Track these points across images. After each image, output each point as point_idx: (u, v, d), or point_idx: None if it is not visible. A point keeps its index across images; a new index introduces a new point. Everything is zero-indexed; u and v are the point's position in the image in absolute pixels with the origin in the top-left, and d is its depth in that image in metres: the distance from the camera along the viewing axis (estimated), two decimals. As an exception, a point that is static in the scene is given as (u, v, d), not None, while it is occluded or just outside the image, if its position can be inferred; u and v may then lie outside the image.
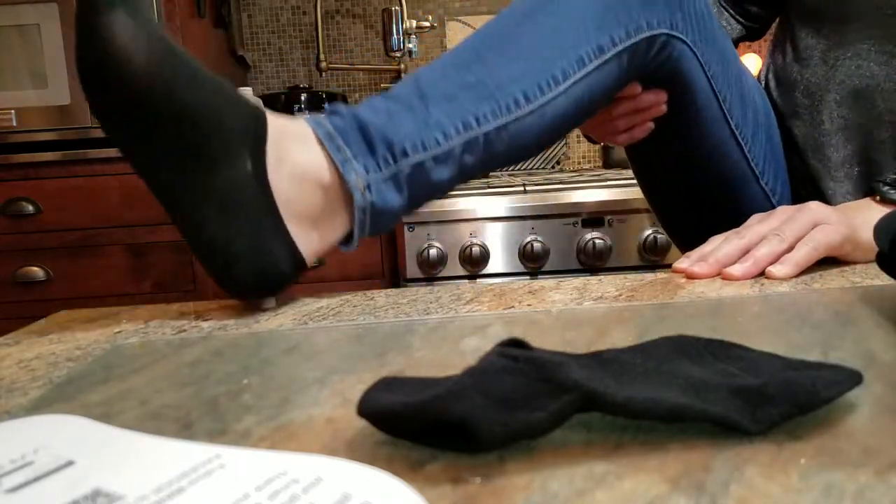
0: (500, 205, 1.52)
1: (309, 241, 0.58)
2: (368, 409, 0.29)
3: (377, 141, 0.58)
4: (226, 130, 0.53)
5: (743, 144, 0.78)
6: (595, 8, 0.65)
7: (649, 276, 0.64)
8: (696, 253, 0.64)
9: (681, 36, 0.70)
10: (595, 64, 0.65)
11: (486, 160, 0.63)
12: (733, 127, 0.77)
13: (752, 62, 1.87)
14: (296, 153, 0.57)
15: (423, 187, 0.61)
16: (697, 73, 0.73)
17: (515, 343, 0.31)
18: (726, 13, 0.94)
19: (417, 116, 0.60)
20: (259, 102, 0.57)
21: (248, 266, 0.55)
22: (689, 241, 0.80)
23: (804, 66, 0.83)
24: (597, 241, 1.50)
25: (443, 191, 0.63)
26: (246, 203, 0.54)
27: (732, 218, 0.68)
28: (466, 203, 1.51)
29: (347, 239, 0.61)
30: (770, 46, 0.92)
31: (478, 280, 1.53)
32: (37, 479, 0.26)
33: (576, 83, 0.65)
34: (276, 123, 0.57)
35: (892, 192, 0.66)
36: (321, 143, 0.57)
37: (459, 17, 2.09)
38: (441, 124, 0.60)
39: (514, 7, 0.67)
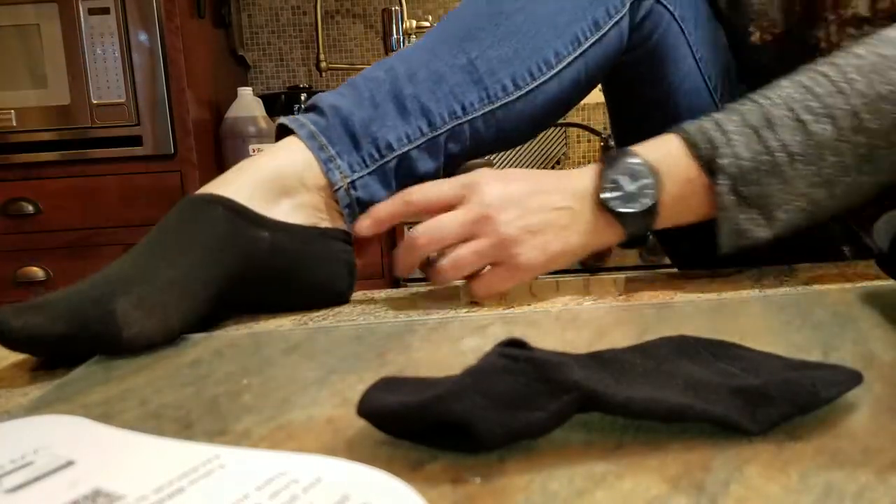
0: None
1: None
2: (368, 409, 0.29)
3: (361, 136, 0.58)
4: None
5: (713, 92, 0.74)
6: None
7: (649, 275, 0.64)
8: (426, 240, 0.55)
9: (666, 4, 0.68)
10: (590, 41, 0.64)
11: (473, 147, 0.63)
12: (711, 88, 0.74)
13: None
14: (282, 161, 0.57)
15: (410, 180, 0.60)
16: (681, 43, 0.70)
17: (515, 343, 0.31)
18: None
19: (404, 104, 0.60)
20: None
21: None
22: None
23: None
24: (597, 241, 1.50)
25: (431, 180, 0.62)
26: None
27: None
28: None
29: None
30: None
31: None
32: (37, 479, 0.26)
33: (568, 66, 0.63)
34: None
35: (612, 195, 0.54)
36: (305, 144, 0.57)
37: (459, 17, 2.09)
38: (427, 112, 0.60)
39: None
